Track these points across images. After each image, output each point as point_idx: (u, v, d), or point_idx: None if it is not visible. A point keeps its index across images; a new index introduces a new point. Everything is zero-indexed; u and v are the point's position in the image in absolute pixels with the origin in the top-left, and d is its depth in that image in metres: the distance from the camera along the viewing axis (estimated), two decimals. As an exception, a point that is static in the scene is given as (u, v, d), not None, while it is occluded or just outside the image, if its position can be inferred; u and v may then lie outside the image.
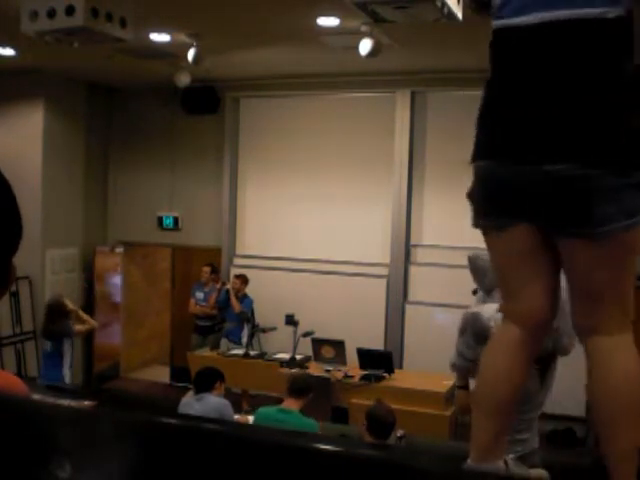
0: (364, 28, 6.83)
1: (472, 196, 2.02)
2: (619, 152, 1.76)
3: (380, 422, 5.10)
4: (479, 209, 2.00)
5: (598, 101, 1.77)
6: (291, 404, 5.64)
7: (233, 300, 9.42)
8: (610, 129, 1.76)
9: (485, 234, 2.02)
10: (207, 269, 10.03)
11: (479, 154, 1.96)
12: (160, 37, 7.74)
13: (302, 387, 5.78)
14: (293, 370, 7.93)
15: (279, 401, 6.21)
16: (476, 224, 2.02)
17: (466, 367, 3.93)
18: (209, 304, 9.88)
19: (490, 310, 3.75)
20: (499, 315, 3.69)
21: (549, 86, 1.80)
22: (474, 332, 3.82)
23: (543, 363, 3.83)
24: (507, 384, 2.00)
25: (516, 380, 2.02)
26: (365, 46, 6.98)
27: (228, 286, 9.59)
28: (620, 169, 1.76)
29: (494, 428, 2.02)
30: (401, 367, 9.12)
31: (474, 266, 3.91)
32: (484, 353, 2.10)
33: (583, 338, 1.94)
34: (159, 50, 8.16)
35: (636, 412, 1.85)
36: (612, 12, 1.77)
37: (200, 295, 9.99)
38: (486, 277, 3.83)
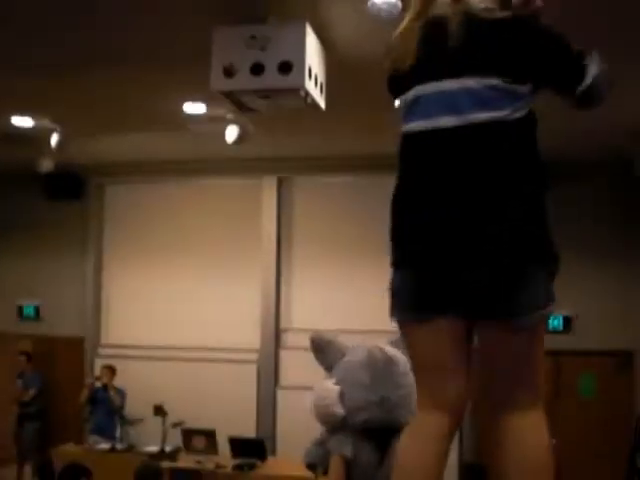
0: (230, 116, 6.95)
1: (394, 290, 2.08)
2: (527, 248, 1.90)
3: None
4: (404, 304, 2.06)
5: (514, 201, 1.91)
6: None
7: (113, 394, 9.04)
8: (526, 226, 1.91)
9: (407, 327, 2.09)
10: (23, 357, 10.01)
11: (400, 261, 2.06)
12: (22, 121, 7.59)
13: (150, 476, 5.50)
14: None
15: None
16: (400, 317, 2.09)
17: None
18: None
19: (323, 387, 4.12)
20: (325, 392, 4.00)
21: (463, 189, 1.92)
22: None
23: (381, 438, 4.00)
24: (437, 472, 2.02)
25: (442, 468, 2.04)
26: (231, 134, 7.09)
27: (105, 381, 9.16)
28: (538, 263, 1.92)
29: None
30: (274, 453, 8.98)
31: (315, 345, 4.20)
32: (404, 443, 2.08)
33: (497, 415, 2.01)
34: (21, 135, 7.97)
35: None
36: (518, 113, 1.94)
37: (19, 383, 9.89)
38: (326, 355, 4.15)
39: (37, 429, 9.73)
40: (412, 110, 2.02)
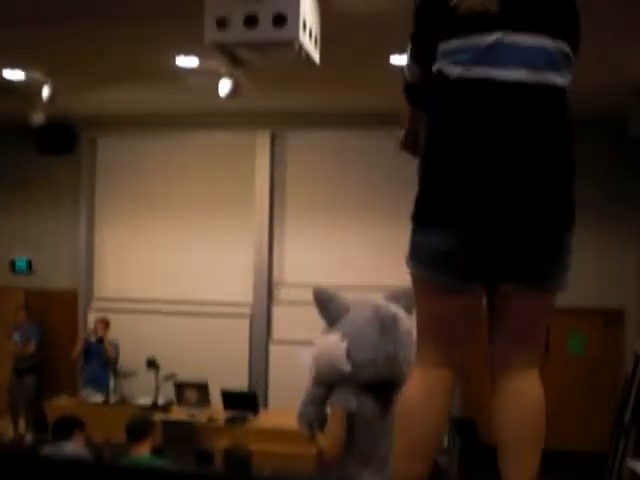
0: (223, 69, 6.87)
1: (421, 248, 2.00)
2: (567, 216, 2.01)
3: (235, 461, 5.06)
4: (431, 264, 1.97)
5: (552, 168, 1.95)
6: (139, 450, 5.35)
7: (109, 347, 9.07)
8: (559, 193, 1.98)
9: (427, 286, 2.01)
10: (22, 311, 10.06)
11: (433, 219, 1.95)
12: (14, 74, 7.49)
13: (141, 429, 5.47)
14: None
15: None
16: (422, 276, 2.02)
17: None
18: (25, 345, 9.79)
19: (328, 342, 4.01)
20: (331, 347, 3.97)
21: (521, 149, 1.88)
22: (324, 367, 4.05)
23: (382, 393, 4.02)
24: (441, 427, 2.07)
25: (446, 423, 2.11)
26: (224, 87, 7.01)
27: (99, 334, 9.18)
28: (568, 231, 2.03)
29: (423, 470, 2.04)
30: (266, 407, 9.07)
31: (319, 299, 4.15)
32: (408, 398, 2.07)
33: (498, 372, 2.07)
34: (11, 87, 7.88)
35: (540, 441, 2.04)
36: (569, 81, 1.96)
37: (17, 337, 9.82)
38: (329, 310, 4.11)
39: (35, 383, 9.75)
40: (482, 55, 1.89)
